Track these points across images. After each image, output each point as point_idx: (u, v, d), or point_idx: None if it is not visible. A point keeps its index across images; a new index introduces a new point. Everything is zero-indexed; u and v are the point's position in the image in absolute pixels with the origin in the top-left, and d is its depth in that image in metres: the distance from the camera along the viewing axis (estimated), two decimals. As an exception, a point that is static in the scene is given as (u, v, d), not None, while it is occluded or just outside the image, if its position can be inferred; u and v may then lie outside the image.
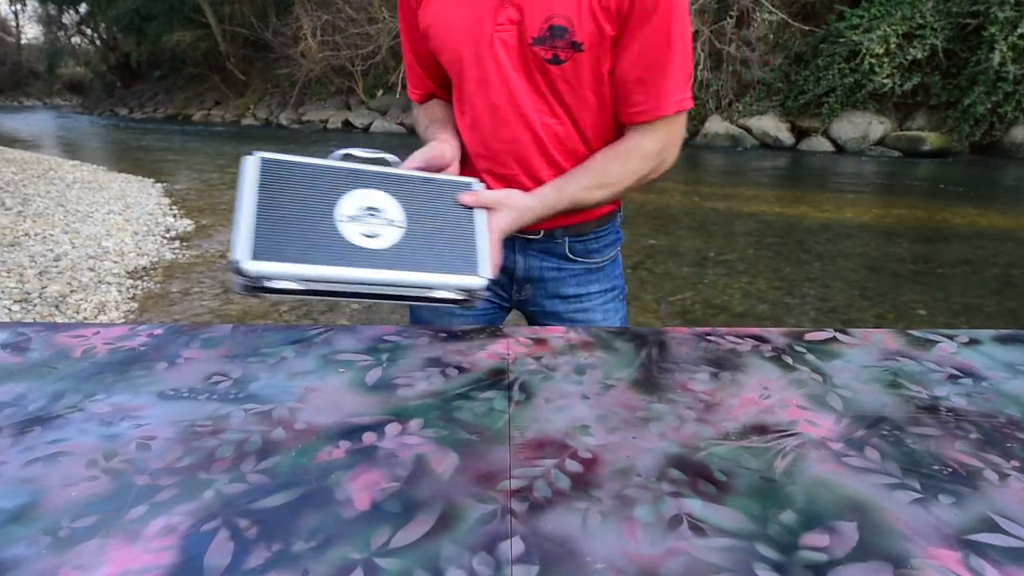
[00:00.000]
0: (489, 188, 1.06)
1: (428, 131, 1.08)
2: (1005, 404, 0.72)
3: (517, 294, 1.17)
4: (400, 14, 1.08)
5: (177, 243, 4.97)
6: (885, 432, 0.66)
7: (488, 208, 0.87)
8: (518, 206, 0.91)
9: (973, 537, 0.51)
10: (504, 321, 1.23)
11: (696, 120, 11.55)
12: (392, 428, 0.66)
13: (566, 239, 1.11)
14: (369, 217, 0.79)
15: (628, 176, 0.98)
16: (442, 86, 1.13)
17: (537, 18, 0.91)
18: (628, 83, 0.95)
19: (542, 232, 1.10)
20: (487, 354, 0.84)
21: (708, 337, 0.89)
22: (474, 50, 0.97)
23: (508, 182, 1.05)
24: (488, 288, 1.16)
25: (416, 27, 1.05)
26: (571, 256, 1.12)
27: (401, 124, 14.49)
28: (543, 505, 0.55)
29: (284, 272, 0.75)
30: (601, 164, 0.98)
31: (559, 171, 1.03)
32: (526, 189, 1.05)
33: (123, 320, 3.36)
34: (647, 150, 0.98)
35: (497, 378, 0.77)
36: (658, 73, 0.93)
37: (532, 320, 1.21)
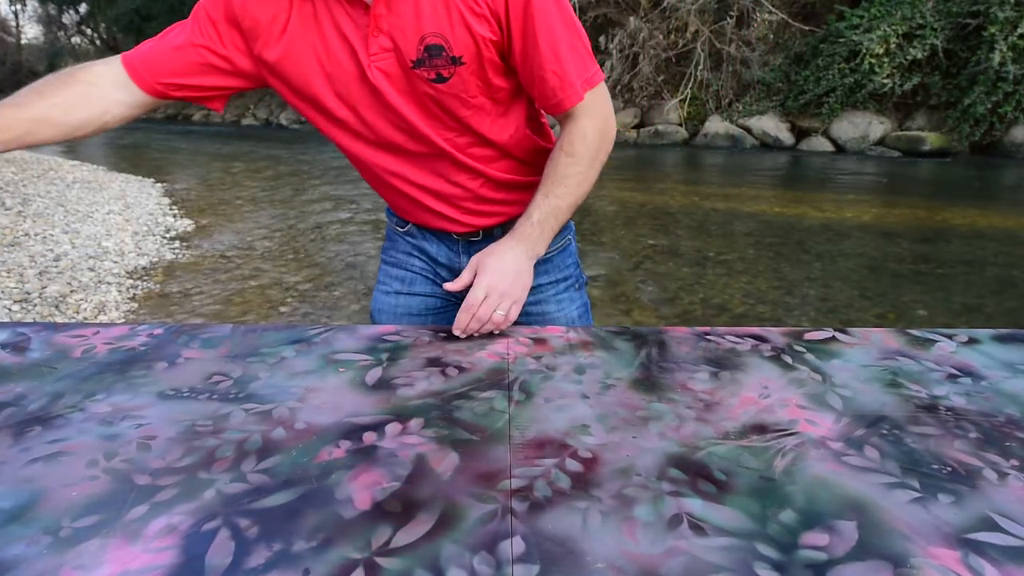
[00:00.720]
0: (417, 200, 1.07)
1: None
2: (1004, 403, 0.72)
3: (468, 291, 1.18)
4: (204, 15, 0.97)
5: (177, 243, 4.97)
6: (884, 431, 0.66)
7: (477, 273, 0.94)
8: (499, 264, 0.95)
9: (972, 536, 0.51)
10: None
11: (696, 120, 11.53)
12: (392, 428, 0.67)
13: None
14: None
15: (582, 162, 0.98)
16: (164, 94, 0.99)
17: (411, 41, 0.90)
18: (534, 81, 0.95)
19: (481, 233, 1.11)
20: (487, 354, 0.84)
21: (708, 337, 0.89)
22: (349, 84, 0.95)
23: (431, 192, 1.06)
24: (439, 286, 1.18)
25: (220, 37, 0.96)
26: None
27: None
28: (543, 504, 0.55)
29: None
30: (551, 168, 0.99)
31: (479, 174, 1.04)
32: (450, 195, 1.06)
33: (123, 320, 3.36)
34: (583, 133, 0.98)
35: (497, 378, 0.77)
36: (556, 63, 0.92)
37: None
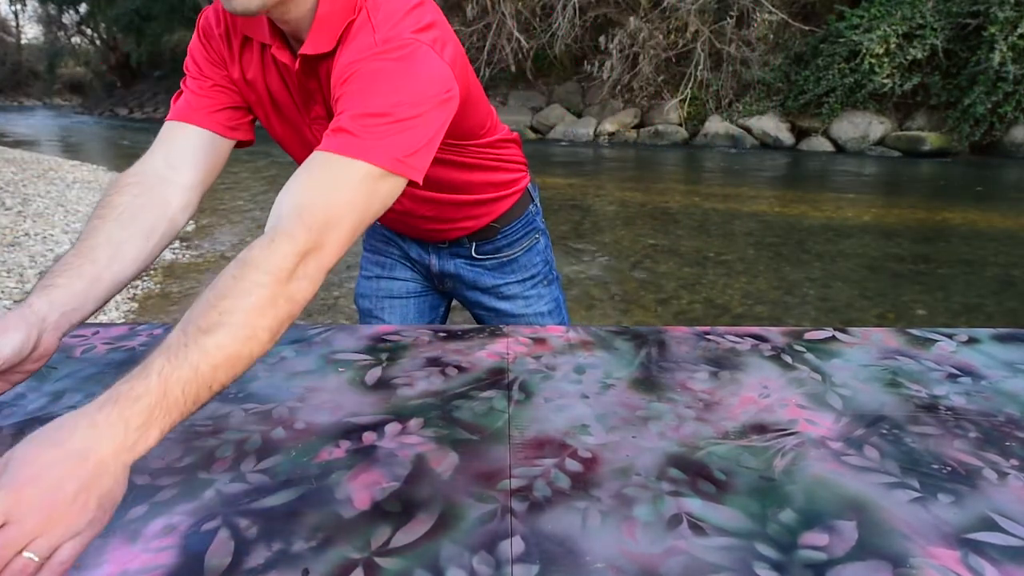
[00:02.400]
0: (380, 229, 1.10)
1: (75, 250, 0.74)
2: (1004, 403, 0.72)
3: (440, 285, 1.20)
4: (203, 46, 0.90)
5: (177, 243, 4.96)
6: (884, 431, 0.66)
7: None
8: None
9: (972, 536, 0.51)
10: (445, 302, 1.26)
11: (696, 120, 11.51)
12: (392, 428, 0.67)
13: (472, 243, 1.12)
14: None
15: (256, 281, 0.59)
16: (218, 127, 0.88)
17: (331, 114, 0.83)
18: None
19: (448, 242, 1.12)
20: (487, 353, 0.84)
21: (707, 336, 0.89)
22: (302, 138, 0.92)
23: (389, 230, 1.12)
24: (417, 273, 1.18)
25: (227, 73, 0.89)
26: (479, 256, 1.14)
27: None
28: (543, 504, 0.55)
29: None
30: (210, 287, 0.58)
31: (430, 202, 1.01)
32: (410, 226, 1.08)
33: (123, 320, 3.36)
34: (273, 235, 0.64)
35: (497, 377, 0.77)
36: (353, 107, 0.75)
37: (465, 308, 1.24)
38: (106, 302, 0.73)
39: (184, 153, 0.85)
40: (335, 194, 0.67)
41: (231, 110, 0.88)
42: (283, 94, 0.88)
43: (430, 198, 1.01)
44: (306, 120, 0.90)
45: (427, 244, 1.15)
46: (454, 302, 1.26)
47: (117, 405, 0.49)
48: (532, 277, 1.18)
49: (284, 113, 0.91)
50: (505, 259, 1.15)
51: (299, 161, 0.96)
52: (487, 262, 1.14)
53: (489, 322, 1.17)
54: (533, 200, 1.18)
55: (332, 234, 0.65)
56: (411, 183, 0.72)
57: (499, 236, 1.13)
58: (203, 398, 0.53)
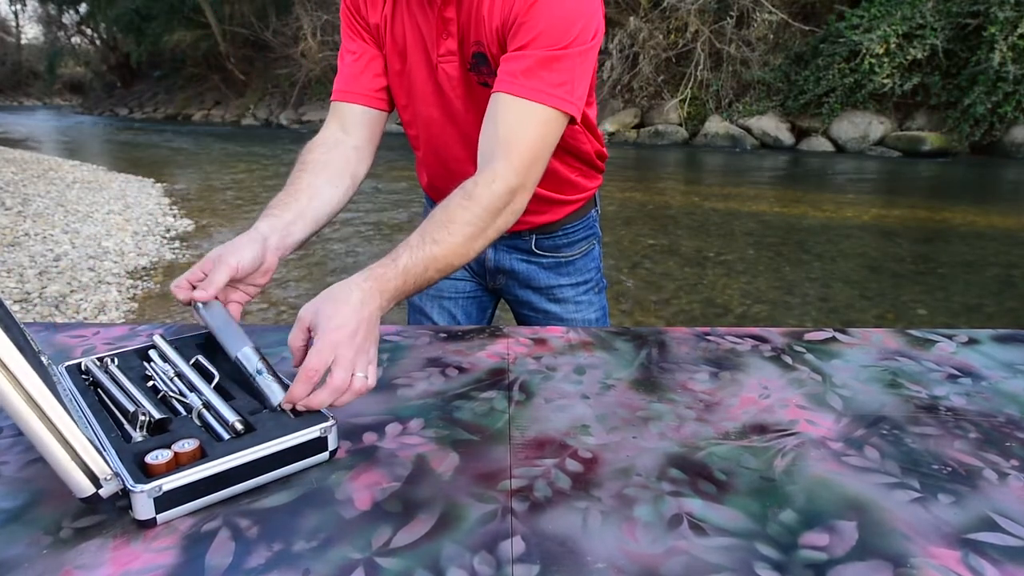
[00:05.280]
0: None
1: (284, 193, 0.92)
2: (1004, 403, 0.72)
3: (492, 283, 1.19)
4: (345, 9, 1.00)
5: (177, 243, 4.96)
6: (884, 431, 0.66)
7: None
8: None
9: (972, 536, 0.51)
10: (492, 304, 1.26)
11: (696, 120, 11.51)
12: (392, 428, 0.67)
13: (533, 236, 1.12)
14: None
15: (475, 210, 0.80)
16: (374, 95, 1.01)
17: (468, 45, 0.90)
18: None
19: (509, 233, 1.11)
20: (487, 354, 0.84)
21: (708, 337, 0.89)
22: (417, 79, 0.97)
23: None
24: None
25: (368, 26, 0.99)
26: (538, 251, 1.14)
27: (400, 124, 14.49)
28: (543, 505, 0.55)
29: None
30: (440, 209, 0.79)
31: None
32: None
33: (123, 320, 3.36)
34: (493, 176, 0.82)
35: (497, 378, 0.77)
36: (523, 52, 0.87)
37: (512, 308, 1.23)
38: (311, 235, 0.91)
39: (353, 123, 1.01)
40: (531, 134, 0.83)
41: (379, 77, 1.01)
42: (415, 34, 0.95)
43: None
44: (432, 59, 0.94)
45: None
46: (499, 306, 1.26)
47: (376, 281, 0.69)
48: (586, 283, 1.19)
49: (409, 58, 0.97)
50: (563, 260, 1.16)
51: (406, 114, 1.04)
52: (544, 259, 1.15)
53: (535, 324, 1.17)
54: (596, 205, 1.19)
55: (532, 171, 0.83)
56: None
57: (560, 232, 1.13)
58: (421, 287, 0.75)
